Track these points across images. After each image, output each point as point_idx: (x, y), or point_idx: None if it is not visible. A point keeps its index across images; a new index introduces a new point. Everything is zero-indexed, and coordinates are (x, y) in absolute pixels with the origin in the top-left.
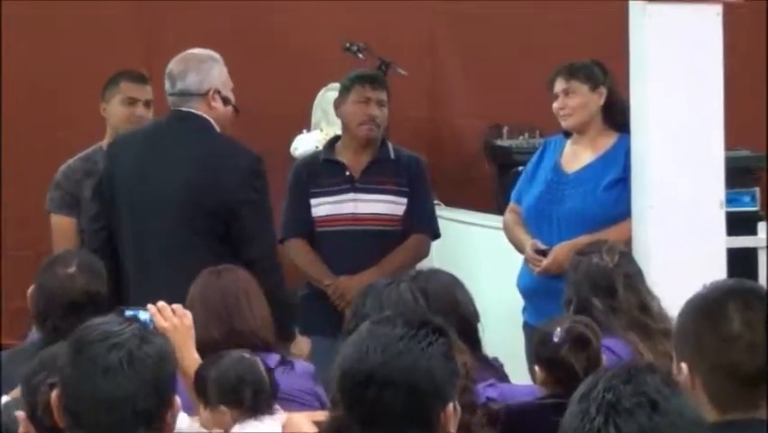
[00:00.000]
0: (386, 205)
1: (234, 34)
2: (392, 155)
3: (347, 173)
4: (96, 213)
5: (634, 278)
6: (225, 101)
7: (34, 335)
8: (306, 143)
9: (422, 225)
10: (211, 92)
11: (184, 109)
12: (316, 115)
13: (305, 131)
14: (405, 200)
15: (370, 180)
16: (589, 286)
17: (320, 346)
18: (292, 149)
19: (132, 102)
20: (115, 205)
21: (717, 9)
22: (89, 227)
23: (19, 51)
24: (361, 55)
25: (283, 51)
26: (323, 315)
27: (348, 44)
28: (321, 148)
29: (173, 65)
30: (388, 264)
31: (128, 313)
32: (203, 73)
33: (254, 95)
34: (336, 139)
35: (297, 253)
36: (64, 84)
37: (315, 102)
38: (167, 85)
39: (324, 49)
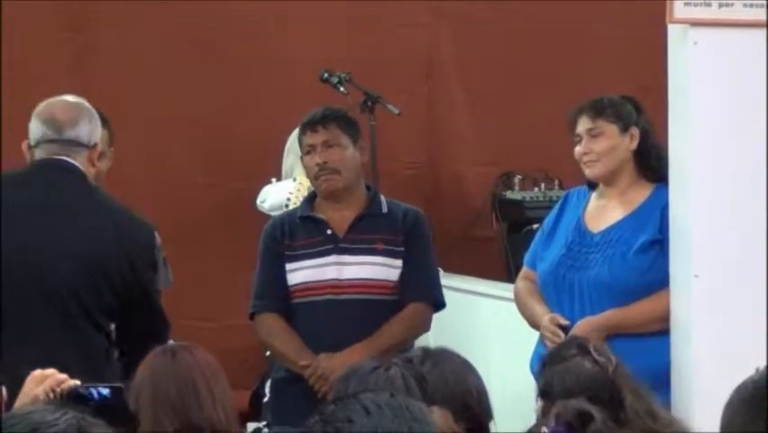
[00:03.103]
0: (376, 268)
1: (187, 60)
2: (384, 209)
3: (329, 231)
4: None
5: (635, 381)
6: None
7: None
8: (275, 195)
9: (420, 293)
10: (96, 148)
11: (68, 160)
12: (288, 160)
13: (274, 180)
14: (399, 262)
15: (356, 239)
16: (586, 398)
17: None
18: (259, 201)
19: None
20: None
21: None
22: None
23: None
24: (342, 88)
25: (249, 84)
26: (296, 401)
27: (326, 75)
28: (292, 200)
29: (56, 110)
30: (378, 340)
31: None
32: (94, 125)
33: (212, 136)
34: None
35: (269, 330)
36: None
37: (287, 145)
38: (44, 129)
39: (299, 80)
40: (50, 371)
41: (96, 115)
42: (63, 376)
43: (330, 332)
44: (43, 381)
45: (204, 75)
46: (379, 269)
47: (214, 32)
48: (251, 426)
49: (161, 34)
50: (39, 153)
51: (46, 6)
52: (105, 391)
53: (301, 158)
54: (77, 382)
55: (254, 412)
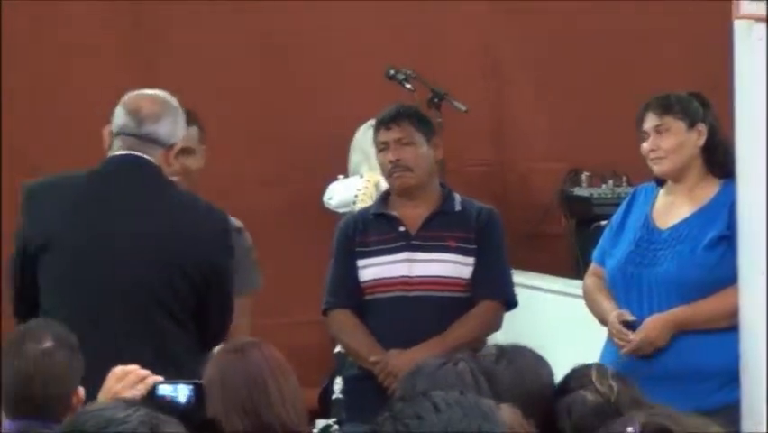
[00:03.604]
0: (448, 265)
1: (254, 58)
2: (457, 207)
3: (401, 228)
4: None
5: (644, 400)
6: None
7: (7, 425)
8: (342, 192)
9: (493, 291)
10: (174, 148)
11: (142, 156)
12: (355, 157)
13: (341, 177)
14: (472, 260)
15: (428, 236)
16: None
17: None
18: (326, 199)
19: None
20: (45, 263)
21: None
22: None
23: None
24: (408, 85)
25: (315, 82)
26: (369, 398)
27: (393, 72)
28: (359, 197)
29: (143, 103)
30: (449, 338)
31: (163, 389)
32: (176, 124)
33: (280, 133)
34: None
35: (341, 326)
36: None
37: (354, 142)
38: (126, 119)
39: (365, 78)
40: (132, 367)
41: (182, 115)
42: (145, 372)
43: (401, 329)
44: (125, 377)
45: (269, 72)
46: (451, 266)
47: (277, 30)
48: (321, 423)
49: (227, 34)
50: (117, 143)
51: (115, 6)
52: (188, 391)
53: (376, 155)
54: (159, 378)
55: (323, 410)
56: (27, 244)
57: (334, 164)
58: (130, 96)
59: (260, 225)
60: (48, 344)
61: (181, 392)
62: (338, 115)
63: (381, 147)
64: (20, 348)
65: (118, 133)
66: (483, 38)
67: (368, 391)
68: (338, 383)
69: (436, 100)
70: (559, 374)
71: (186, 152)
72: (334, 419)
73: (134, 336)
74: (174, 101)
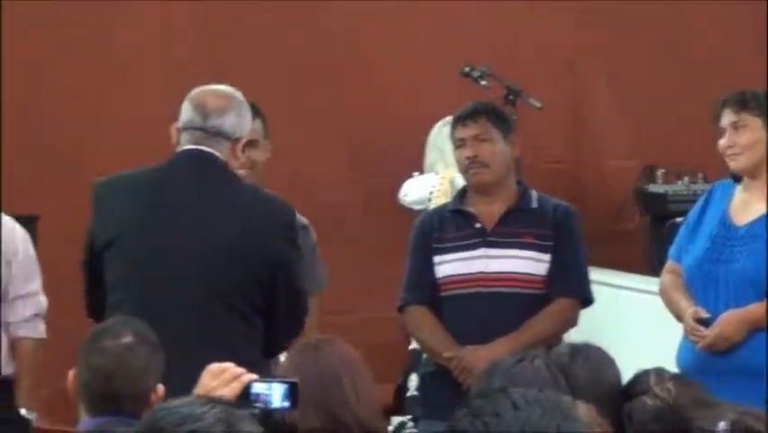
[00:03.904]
0: (524, 262)
1: (328, 58)
2: (534, 203)
3: (477, 225)
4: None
5: (709, 399)
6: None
7: (86, 422)
8: (418, 189)
9: (569, 288)
10: (241, 141)
11: (209, 151)
12: (431, 155)
13: (416, 174)
14: (548, 257)
15: (504, 233)
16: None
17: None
18: (401, 195)
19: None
20: (111, 259)
21: None
22: None
23: None
24: (484, 82)
25: (389, 80)
26: (444, 395)
27: (467, 69)
28: (435, 194)
29: (208, 98)
30: (524, 335)
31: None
32: (242, 118)
33: (355, 130)
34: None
35: (417, 323)
36: None
37: (430, 139)
38: (192, 114)
39: (440, 75)
40: (228, 364)
41: (248, 109)
42: (240, 370)
43: (476, 325)
44: (220, 375)
45: (345, 70)
46: (528, 263)
47: (353, 29)
48: (396, 420)
49: (300, 31)
50: (184, 138)
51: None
52: (282, 389)
53: (453, 151)
54: (254, 376)
55: (398, 406)
56: (94, 241)
57: (410, 162)
58: (196, 91)
59: (336, 221)
60: (128, 340)
61: (275, 391)
62: (413, 112)
63: (458, 144)
64: (100, 344)
65: (185, 128)
66: (559, 37)
67: (443, 388)
68: (413, 380)
69: (511, 97)
70: (633, 371)
71: (251, 144)
72: (410, 416)
73: (202, 335)
74: (239, 95)
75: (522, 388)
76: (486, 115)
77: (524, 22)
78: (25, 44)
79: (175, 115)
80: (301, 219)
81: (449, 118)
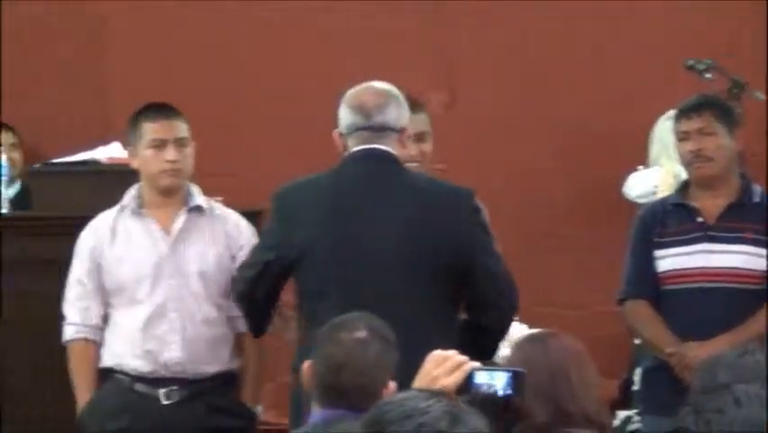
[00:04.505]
0: (745, 257)
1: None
2: (756, 198)
3: (699, 219)
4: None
5: None
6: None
7: (317, 414)
8: (641, 183)
9: None
10: (405, 131)
11: (380, 148)
12: (655, 148)
13: (641, 167)
14: (764, 252)
15: (726, 228)
16: None
17: (656, 428)
18: (625, 189)
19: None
20: (305, 270)
21: None
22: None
23: None
24: (708, 75)
25: (610, 72)
26: (666, 390)
27: (692, 62)
28: (659, 188)
29: (365, 97)
30: (747, 331)
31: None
32: (401, 110)
33: (578, 123)
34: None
35: (637, 316)
36: None
37: (654, 133)
38: (354, 117)
39: (663, 68)
40: (451, 352)
41: (404, 100)
42: (463, 358)
43: (697, 320)
44: (443, 363)
45: (575, 63)
46: (749, 258)
47: (574, 26)
48: (621, 414)
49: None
50: (351, 141)
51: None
52: (506, 378)
53: (676, 144)
54: (477, 364)
55: (624, 401)
56: (281, 252)
57: (635, 155)
58: (349, 93)
59: (559, 214)
60: (362, 334)
61: (498, 380)
62: (638, 105)
63: (682, 137)
64: (334, 336)
65: (349, 132)
66: None
67: (664, 384)
68: (638, 374)
69: (735, 91)
70: None
71: (420, 138)
72: (635, 411)
73: (408, 335)
74: (392, 88)
75: (744, 383)
76: (711, 108)
77: (743, 18)
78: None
79: (334, 123)
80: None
81: (672, 112)
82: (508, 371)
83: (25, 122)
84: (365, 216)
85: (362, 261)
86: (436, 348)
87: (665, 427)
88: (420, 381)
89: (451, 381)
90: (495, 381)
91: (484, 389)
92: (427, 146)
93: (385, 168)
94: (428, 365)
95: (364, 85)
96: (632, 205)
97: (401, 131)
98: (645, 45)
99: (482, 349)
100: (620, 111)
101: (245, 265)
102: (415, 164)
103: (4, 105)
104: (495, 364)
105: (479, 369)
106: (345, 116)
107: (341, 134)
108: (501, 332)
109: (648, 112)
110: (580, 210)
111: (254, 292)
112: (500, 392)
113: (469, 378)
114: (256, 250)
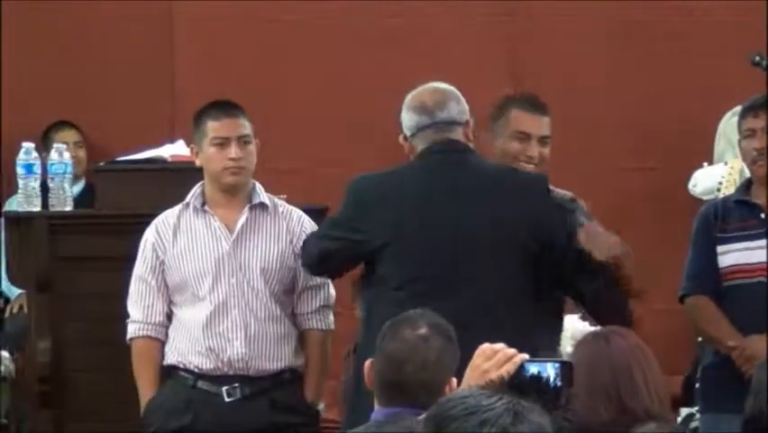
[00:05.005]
0: None
1: (620, 46)
2: None
3: (762, 215)
4: None
5: None
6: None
7: (378, 412)
8: (707, 179)
9: None
10: (470, 123)
11: (449, 137)
12: (720, 145)
13: (705, 164)
14: None
15: None
16: None
17: (718, 425)
18: (691, 186)
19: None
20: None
21: None
22: None
23: None
24: None
25: (680, 68)
26: (728, 386)
27: (758, 58)
28: (724, 185)
29: (424, 97)
30: None
31: (530, 368)
32: (461, 105)
33: (645, 120)
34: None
35: (699, 312)
36: None
37: (719, 130)
38: (417, 118)
39: (730, 64)
40: (500, 345)
41: (461, 96)
42: (512, 351)
43: (760, 315)
44: (493, 356)
45: (636, 59)
46: None
47: (646, 17)
48: (684, 411)
49: (590, 21)
50: (418, 141)
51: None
52: (555, 370)
53: (739, 142)
54: (526, 357)
55: (687, 398)
56: (367, 236)
57: (700, 151)
58: (408, 98)
59: (625, 210)
60: (423, 331)
61: (549, 371)
62: (704, 102)
63: (747, 134)
64: (396, 333)
65: (414, 134)
66: None
67: (724, 380)
68: (700, 372)
69: None
70: None
71: (543, 141)
72: (697, 408)
73: (495, 322)
74: (448, 86)
75: None
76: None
77: None
78: None
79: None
80: (567, 193)
81: (738, 108)
82: (557, 362)
83: (91, 120)
84: (450, 203)
85: (452, 247)
86: (529, 331)
87: (723, 425)
88: (471, 373)
89: (502, 373)
90: (546, 372)
91: (534, 380)
92: (547, 151)
93: (462, 157)
94: (477, 360)
95: (420, 87)
96: (697, 201)
97: (466, 123)
98: (712, 41)
99: (613, 307)
100: (692, 107)
101: (324, 237)
102: (531, 166)
103: (69, 103)
104: (557, 355)
105: (529, 361)
106: (409, 118)
107: (406, 138)
108: (612, 284)
109: (719, 108)
110: (650, 206)
111: (328, 263)
112: (551, 384)
113: (519, 370)
114: (338, 225)
